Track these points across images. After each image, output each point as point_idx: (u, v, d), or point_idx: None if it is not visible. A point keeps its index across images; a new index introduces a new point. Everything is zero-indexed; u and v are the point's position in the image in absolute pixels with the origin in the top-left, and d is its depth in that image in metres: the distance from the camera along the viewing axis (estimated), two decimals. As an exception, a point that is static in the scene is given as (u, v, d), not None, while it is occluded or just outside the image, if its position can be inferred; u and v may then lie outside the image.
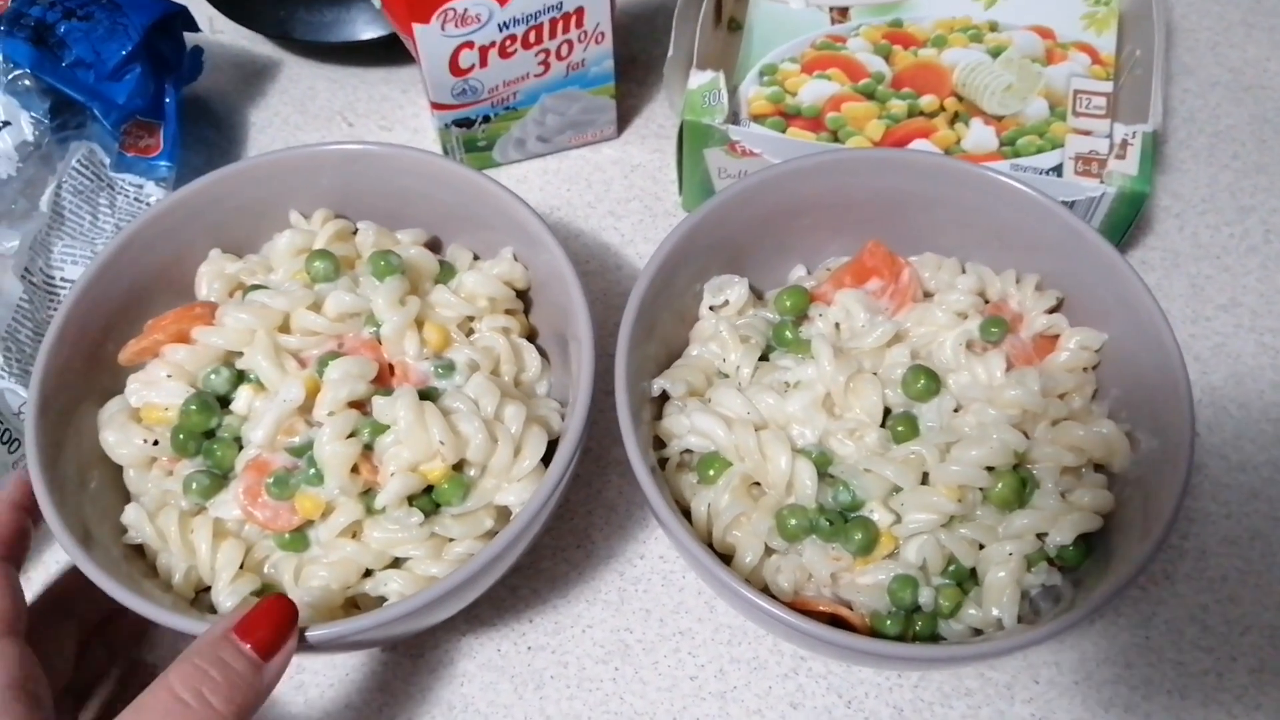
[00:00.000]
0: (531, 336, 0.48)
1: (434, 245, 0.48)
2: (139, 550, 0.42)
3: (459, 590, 0.37)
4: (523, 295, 0.48)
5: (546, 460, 0.41)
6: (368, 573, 0.41)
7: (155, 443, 0.41)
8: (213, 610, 0.40)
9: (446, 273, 0.46)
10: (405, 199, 0.47)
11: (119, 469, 0.42)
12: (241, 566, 0.40)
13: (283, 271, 0.45)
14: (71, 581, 0.41)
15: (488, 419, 0.41)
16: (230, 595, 0.39)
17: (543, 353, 0.46)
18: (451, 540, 0.41)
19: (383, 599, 0.40)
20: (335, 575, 0.40)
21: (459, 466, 0.41)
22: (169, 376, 0.41)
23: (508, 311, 0.47)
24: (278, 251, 0.46)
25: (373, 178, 0.46)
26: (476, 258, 0.48)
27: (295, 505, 0.40)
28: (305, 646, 0.36)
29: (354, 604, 0.41)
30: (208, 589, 0.40)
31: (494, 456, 0.40)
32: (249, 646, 0.34)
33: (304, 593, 0.39)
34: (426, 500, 0.41)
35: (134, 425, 0.41)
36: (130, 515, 0.41)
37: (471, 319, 0.46)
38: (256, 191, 0.46)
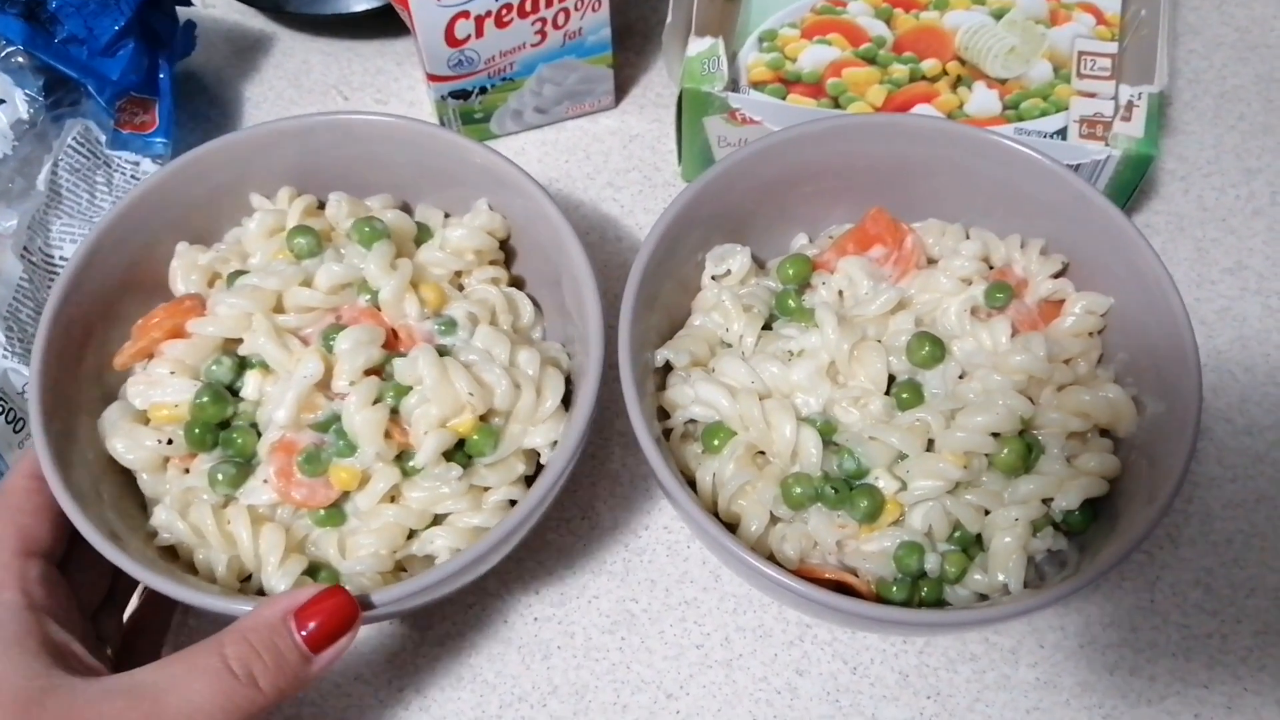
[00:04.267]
0: (518, 286, 0.48)
1: (402, 210, 0.47)
2: (171, 552, 0.41)
3: (517, 529, 0.38)
4: (504, 246, 0.47)
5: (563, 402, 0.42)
6: (410, 535, 0.41)
7: (169, 442, 0.40)
8: (261, 594, 0.39)
9: (423, 234, 0.46)
10: (366, 166, 0.46)
11: (128, 476, 0.42)
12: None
13: (261, 255, 0.44)
14: None
15: (505, 366, 0.41)
16: (281, 579, 0.39)
17: (533, 300, 0.47)
18: (487, 489, 0.41)
19: (430, 558, 0.41)
20: (382, 541, 0.40)
21: (485, 417, 0.41)
22: (172, 373, 0.41)
23: (492, 262, 0.47)
24: (250, 235, 0.45)
25: (331, 149, 0.45)
26: (448, 216, 0.47)
27: (330, 479, 0.40)
28: (375, 616, 0.36)
29: (400, 567, 0.41)
30: (248, 578, 0.40)
31: (519, 401, 0.41)
32: (302, 637, 0.35)
33: (355, 563, 0.40)
34: (458, 455, 0.41)
35: (141, 428, 0.41)
36: (161, 517, 0.40)
37: (459, 274, 0.46)
38: (215, 178, 0.45)
